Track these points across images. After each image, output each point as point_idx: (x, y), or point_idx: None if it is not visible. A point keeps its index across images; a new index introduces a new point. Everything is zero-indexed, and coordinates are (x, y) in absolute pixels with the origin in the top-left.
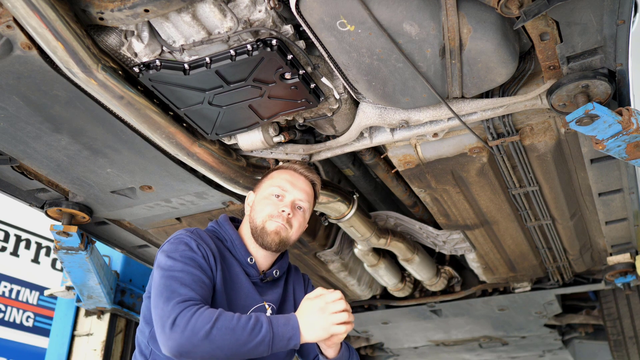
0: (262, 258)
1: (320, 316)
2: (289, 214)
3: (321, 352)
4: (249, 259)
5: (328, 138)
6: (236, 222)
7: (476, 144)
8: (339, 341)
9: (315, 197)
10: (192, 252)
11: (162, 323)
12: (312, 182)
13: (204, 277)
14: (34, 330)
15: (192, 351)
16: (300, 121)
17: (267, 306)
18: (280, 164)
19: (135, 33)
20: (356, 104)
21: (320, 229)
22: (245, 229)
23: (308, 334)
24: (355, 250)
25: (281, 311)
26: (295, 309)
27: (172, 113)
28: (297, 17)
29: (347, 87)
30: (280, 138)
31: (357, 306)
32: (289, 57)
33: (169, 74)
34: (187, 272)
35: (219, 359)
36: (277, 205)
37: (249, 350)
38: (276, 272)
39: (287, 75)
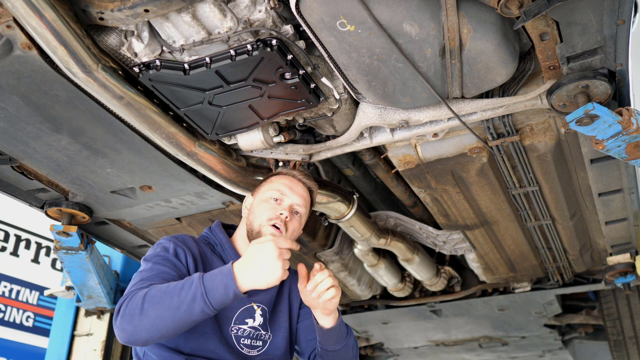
0: None
1: (262, 259)
2: (286, 217)
3: (317, 324)
4: None
5: (328, 138)
6: (233, 228)
7: (476, 144)
8: (333, 307)
9: (312, 203)
10: (166, 252)
11: (114, 318)
12: (310, 189)
13: (170, 271)
14: (34, 330)
15: (136, 334)
16: (300, 121)
17: (255, 307)
18: (280, 169)
19: (135, 33)
20: (356, 104)
21: (320, 229)
22: (241, 232)
23: (248, 279)
24: (355, 251)
25: (274, 313)
26: (289, 311)
27: (172, 113)
28: (297, 17)
29: (347, 87)
30: (280, 138)
31: (357, 306)
32: (289, 57)
33: (169, 74)
34: (152, 269)
35: (167, 331)
36: (275, 209)
37: (187, 312)
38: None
39: (287, 75)
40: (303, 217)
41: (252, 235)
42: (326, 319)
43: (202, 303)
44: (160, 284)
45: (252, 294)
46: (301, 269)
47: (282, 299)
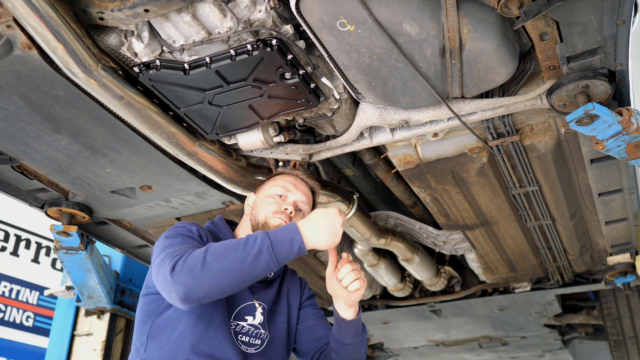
0: None
1: (327, 220)
2: (291, 212)
3: (339, 315)
4: None
5: (328, 138)
6: (232, 224)
7: (476, 144)
8: (357, 299)
9: (314, 204)
10: (190, 232)
11: (163, 276)
12: (312, 189)
13: (200, 246)
14: (34, 330)
15: (197, 287)
16: (300, 121)
17: (257, 305)
18: (283, 169)
19: (135, 33)
20: (356, 104)
21: None
22: (242, 229)
23: (313, 237)
24: (355, 250)
25: (273, 313)
26: (288, 311)
27: (172, 113)
28: (297, 17)
29: (347, 87)
30: (280, 138)
31: None
32: (289, 57)
33: (169, 73)
34: (182, 242)
35: (229, 286)
36: (280, 204)
37: (252, 265)
38: (270, 272)
39: (287, 75)
40: (305, 215)
41: (257, 228)
42: (348, 311)
43: (268, 256)
44: (217, 242)
45: (255, 292)
46: (332, 253)
47: (281, 299)
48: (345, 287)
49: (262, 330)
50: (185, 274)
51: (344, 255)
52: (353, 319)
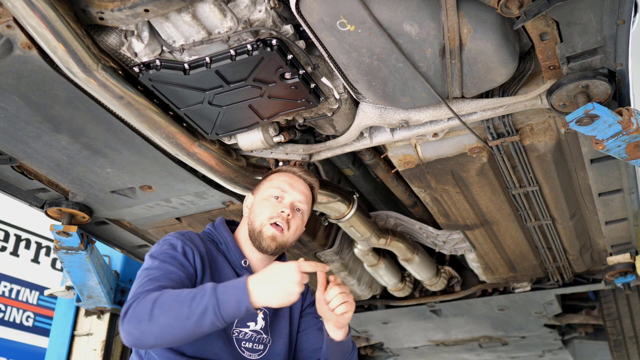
0: (258, 261)
1: (282, 279)
2: (288, 214)
3: (328, 336)
4: (242, 262)
5: (328, 138)
6: (234, 225)
7: (476, 144)
8: (345, 322)
9: (314, 200)
10: (174, 250)
11: (121, 318)
12: (311, 185)
13: (178, 272)
14: (34, 330)
15: (142, 337)
16: (300, 121)
17: (258, 310)
18: (279, 166)
19: (135, 33)
20: (356, 104)
21: (320, 229)
22: (242, 231)
23: (262, 297)
24: (355, 250)
25: (275, 318)
26: (290, 317)
27: (172, 113)
28: (297, 17)
29: (347, 87)
30: (280, 138)
31: (357, 306)
32: (289, 57)
33: (169, 73)
34: (160, 268)
35: (174, 340)
36: (276, 207)
37: (197, 324)
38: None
39: (287, 75)
40: (305, 214)
41: (254, 235)
42: (337, 332)
43: (213, 316)
44: (170, 288)
45: None
46: (321, 276)
47: None
48: (332, 310)
49: (264, 335)
50: (133, 324)
51: (332, 278)
52: (342, 340)
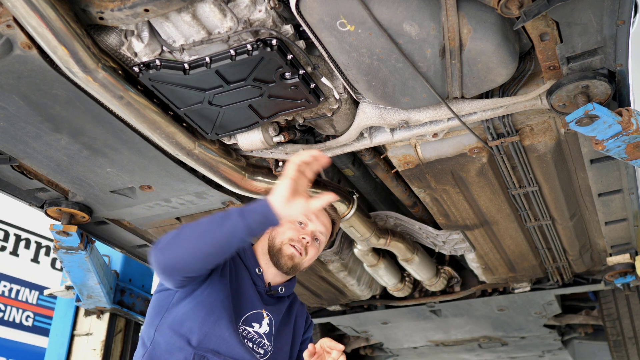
0: (272, 275)
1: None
2: (307, 242)
3: None
4: (257, 270)
5: (328, 138)
6: None
7: (476, 144)
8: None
9: (332, 235)
10: None
11: (152, 250)
12: (333, 221)
13: None
14: (34, 329)
15: (174, 256)
16: (300, 121)
17: (265, 314)
18: None
19: (135, 33)
20: (356, 104)
21: None
22: (262, 245)
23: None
24: (355, 250)
25: (279, 331)
26: (293, 336)
27: (172, 113)
28: (297, 17)
29: (347, 87)
30: (280, 138)
31: (357, 306)
32: (289, 57)
33: (169, 73)
34: None
35: (205, 253)
36: (299, 232)
37: (226, 232)
38: (282, 289)
39: (287, 75)
40: (322, 245)
41: (272, 251)
42: None
43: (240, 221)
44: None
45: (266, 304)
46: (310, 346)
47: (289, 323)
48: None
49: (266, 341)
50: (161, 246)
51: (310, 346)
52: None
